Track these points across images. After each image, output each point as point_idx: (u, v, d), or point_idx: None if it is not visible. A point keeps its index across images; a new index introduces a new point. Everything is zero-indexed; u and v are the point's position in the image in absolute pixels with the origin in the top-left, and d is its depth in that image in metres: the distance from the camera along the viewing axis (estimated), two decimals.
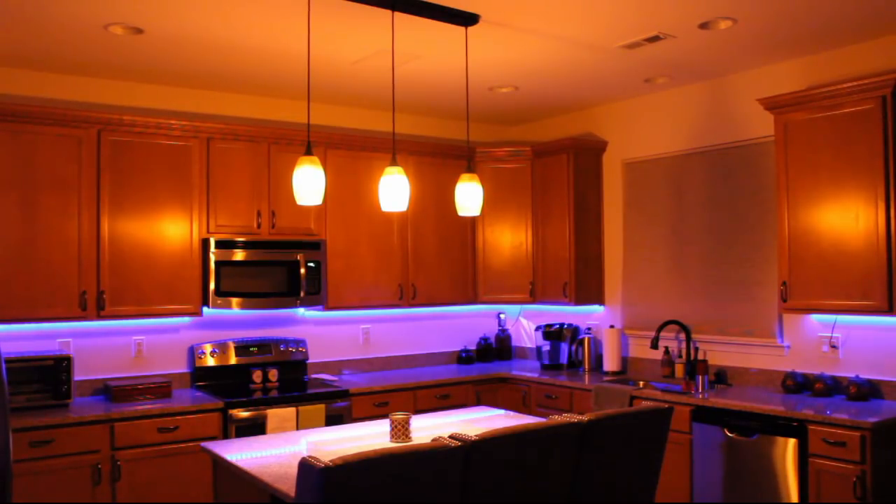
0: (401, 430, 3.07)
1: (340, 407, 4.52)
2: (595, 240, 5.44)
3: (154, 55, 4.07)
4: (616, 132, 5.41)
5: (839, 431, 3.44)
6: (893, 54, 3.86)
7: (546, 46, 4.03)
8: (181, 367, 4.71)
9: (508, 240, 5.60)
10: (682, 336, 4.77)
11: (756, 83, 4.47)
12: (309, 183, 3.05)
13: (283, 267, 4.63)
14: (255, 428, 4.20)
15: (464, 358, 5.77)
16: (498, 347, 5.97)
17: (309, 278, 4.71)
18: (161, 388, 4.31)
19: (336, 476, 2.05)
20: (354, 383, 4.81)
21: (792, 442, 3.62)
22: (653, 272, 5.12)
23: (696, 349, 4.69)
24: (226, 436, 4.15)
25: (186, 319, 4.68)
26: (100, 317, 4.13)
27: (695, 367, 4.49)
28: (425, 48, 4.03)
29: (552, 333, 5.43)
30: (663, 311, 4.96)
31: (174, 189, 4.38)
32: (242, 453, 2.95)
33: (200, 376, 4.67)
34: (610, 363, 5.15)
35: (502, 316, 6.07)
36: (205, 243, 4.44)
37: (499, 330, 6.04)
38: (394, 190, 3.29)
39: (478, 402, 5.10)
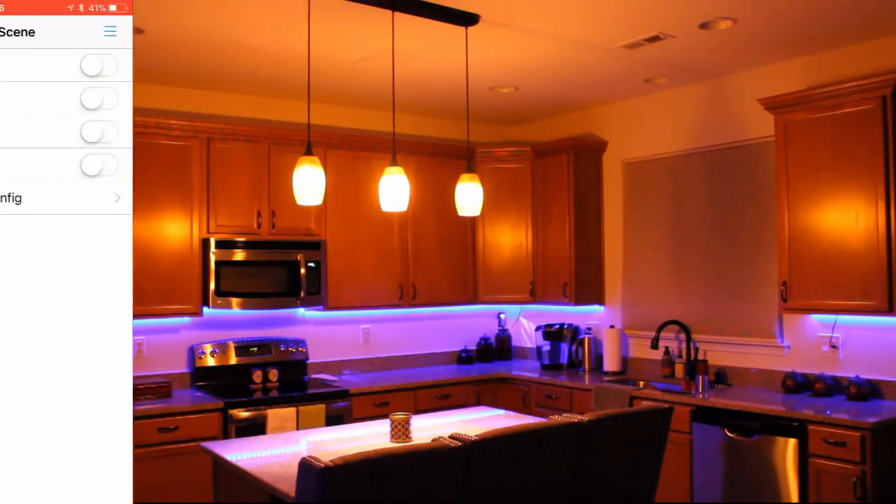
0: (401, 430, 3.07)
1: (340, 407, 4.52)
2: (595, 240, 5.44)
3: (154, 55, 4.07)
4: (616, 132, 5.41)
5: (839, 431, 3.44)
6: (893, 54, 3.86)
7: (546, 46, 4.03)
8: (181, 367, 4.71)
9: (508, 240, 5.60)
10: (683, 336, 4.77)
11: (756, 83, 4.47)
12: (309, 183, 3.05)
13: (284, 267, 4.63)
14: (256, 428, 4.20)
15: (464, 358, 5.77)
16: (498, 347, 5.97)
17: (309, 278, 4.71)
18: (161, 388, 4.31)
19: (336, 476, 2.05)
20: (354, 383, 4.81)
21: (792, 442, 3.62)
22: (653, 272, 5.11)
23: (697, 349, 4.69)
24: (226, 436, 4.15)
25: (186, 319, 4.68)
26: None
27: (695, 367, 4.49)
28: (425, 48, 4.03)
29: (552, 333, 5.43)
30: (663, 311, 4.96)
31: (174, 189, 4.38)
32: (242, 453, 2.95)
33: (200, 376, 4.67)
34: (610, 363, 5.15)
35: (502, 316, 6.06)
36: (205, 243, 4.44)
37: (499, 330, 6.04)
38: (394, 190, 3.29)
39: (478, 402, 5.10)
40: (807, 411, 3.62)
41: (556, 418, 2.66)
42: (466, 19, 3.52)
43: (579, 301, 5.29)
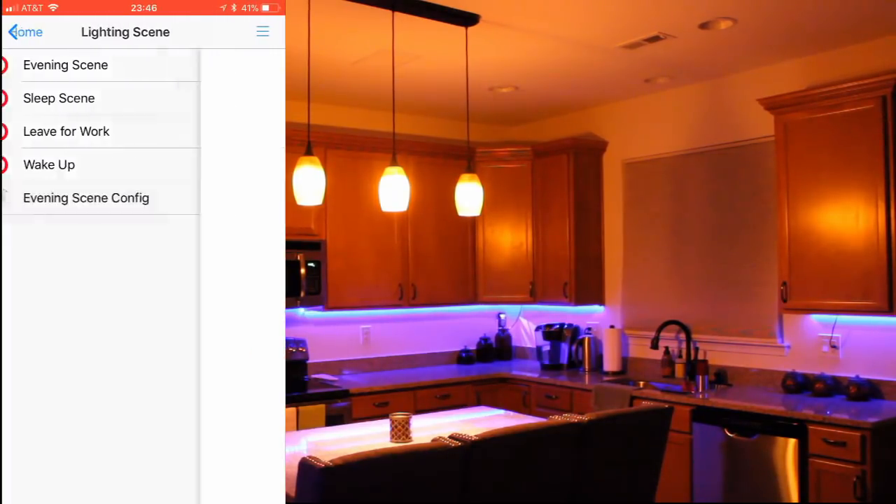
0: (401, 430, 3.07)
1: (340, 407, 4.51)
2: (595, 240, 5.44)
3: None
4: (616, 132, 5.41)
5: (839, 431, 3.44)
6: (893, 54, 3.86)
7: (546, 46, 4.03)
8: None
9: (508, 240, 5.60)
10: (683, 336, 4.76)
11: (756, 83, 4.46)
12: (309, 183, 3.05)
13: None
14: None
15: (464, 358, 5.77)
16: (498, 347, 5.97)
17: (309, 278, 4.71)
18: None
19: (336, 476, 2.05)
20: (354, 383, 4.81)
21: (792, 442, 3.62)
22: (653, 272, 5.11)
23: (697, 349, 4.69)
24: None
25: None
26: None
27: (695, 367, 4.49)
28: (425, 48, 4.03)
29: (552, 333, 5.43)
30: (663, 311, 4.96)
31: None
32: None
33: None
34: (610, 363, 5.15)
35: (502, 316, 6.06)
36: None
37: (499, 330, 6.04)
38: (394, 190, 3.29)
39: (478, 402, 5.10)
40: (807, 411, 3.62)
41: (556, 418, 2.66)
42: (466, 19, 3.52)
43: (579, 301, 5.29)
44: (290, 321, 5.12)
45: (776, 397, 4.05)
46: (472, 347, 5.94)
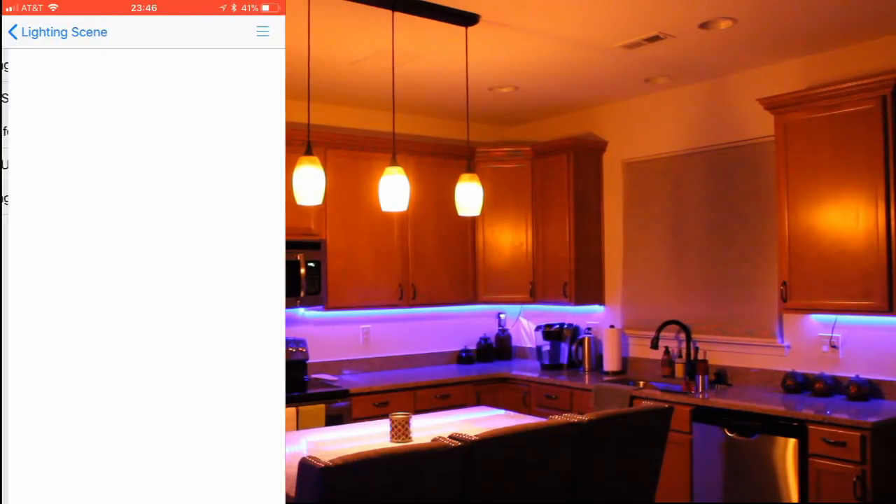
0: (401, 430, 3.07)
1: (340, 407, 4.51)
2: (595, 240, 5.44)
3: None
4: (616, 132, 5.41)
5: (839, 431, 3.44)
6: (893, 54, 3.86)
7: (546, 46, 4.03)
8: None
9: (508, 240, 5.60)
10: (682, 336, 4.77)
11: (756, 83, 4.46)
12: (309, 183, 3.05)
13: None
14: None
15: (464, 358, 5.77)
16: (498, 347, 5.97)
17: (309, 278, 4.71)
18: None
19: (336, 476, 2.05)
20: (354, 383, 4.81)
21: (792, 442, 3.62)
22: (653, 272, 5.11)
23: (696, 349, 4.69)
24: None
25: None
26: None
27: (695, 367, 4.49)
28: (425, 48, 4.03)
29: (552, 333, 5.43)
30: (663, 311, 4.96)
31: None
32: None
33: None
34: (610, 363, 5.15)
35: (502, 316, 6.06)
36: None
37: (499, 330, 6.04)
38: (394, 190, 3.29)
39: (478, 402, 5.10)
40: (807, 411, 3.62)
41: (556, 418, 2.66)
42: (466, 19, 3.52)
43: (579, 301, 5.29)
44: (290, 321, 5.12)
45: (776, 397, 4.05)
46: (472, 347, 5.94)
